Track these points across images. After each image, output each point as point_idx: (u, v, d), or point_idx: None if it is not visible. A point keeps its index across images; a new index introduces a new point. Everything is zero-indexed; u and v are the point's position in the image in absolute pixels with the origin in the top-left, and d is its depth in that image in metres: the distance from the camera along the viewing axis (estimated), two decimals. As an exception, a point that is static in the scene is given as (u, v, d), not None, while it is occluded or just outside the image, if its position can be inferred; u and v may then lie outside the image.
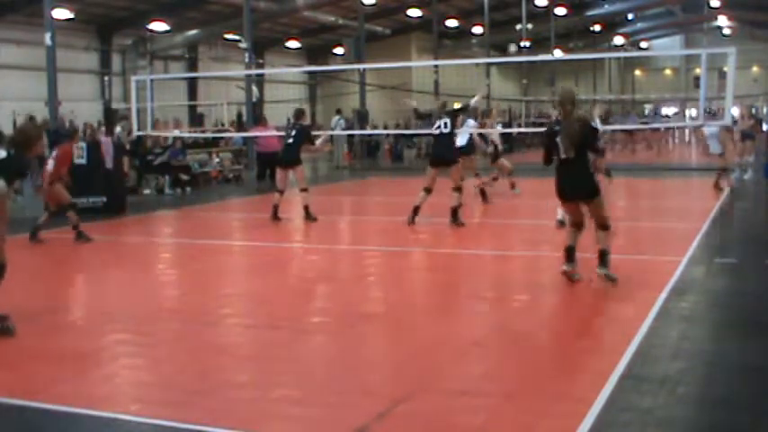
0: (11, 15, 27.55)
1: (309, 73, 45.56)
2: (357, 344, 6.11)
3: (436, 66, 36.10)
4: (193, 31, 34.31)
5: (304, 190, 12.71)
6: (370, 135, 30.42)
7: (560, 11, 46.46)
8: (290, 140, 12.69)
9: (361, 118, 30.98)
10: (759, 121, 26.28)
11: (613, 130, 26.26)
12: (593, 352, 5.69)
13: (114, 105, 31.55)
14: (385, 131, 31.49)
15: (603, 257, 7.49)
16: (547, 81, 54.80)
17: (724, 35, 55.94)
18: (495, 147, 15.62)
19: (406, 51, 45.74)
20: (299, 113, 13.35)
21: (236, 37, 29.30)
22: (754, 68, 56.83)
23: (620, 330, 6.18)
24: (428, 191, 11.84)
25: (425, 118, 12.86)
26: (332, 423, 4.39)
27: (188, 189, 18.09)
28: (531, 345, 6.00)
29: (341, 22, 36.84)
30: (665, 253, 8.68)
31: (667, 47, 62.94)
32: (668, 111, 55.50)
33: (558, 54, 45.39)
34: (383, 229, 12.75)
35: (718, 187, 15.55)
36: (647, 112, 54.99)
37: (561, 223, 11.24)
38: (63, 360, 5.66)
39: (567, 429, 4.18)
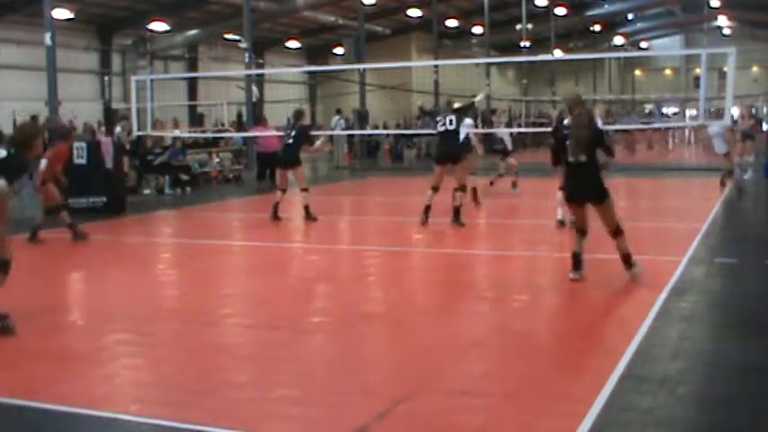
0: (11, 15, 27.55)
1: (309, 73, 45.56)
2: (357, 344, 6.11)
3: (436, 66, 36.11)
4: (193, 31, 34.32)
5: (304, 190, 12.72)
6: (370, 135, 30.42)
7: (560, 11, 46.47)
8: (290, 141, 12.72)
9: (361, 118, 30.98)
10: (759, 121, 26.29)
11: (615, 131, 26.28)
12: (593, 352, 5.69)
13: (114, 105, 31.56)
14: (385, 131, 31.48)
15: (628, 260, 7.60)
16: (547, 81, 54.85)
17: (724, 35, 55.95)
18: (505, 144, 15.81)
19: (406, 51, 45.74)
20: (298, 114, 13.37)
21: (236, 37, 29.31)
22: (754, 68, 56.84)
23: (620, 330, 6.18)
24: (435, 189, 11.85)
25: (432, 115, 12.86)
26: (332, 423, 4.39)
27: (188, 189, 18.09)
28: (531, 345, 6.00)
29: (341, 22, 36.84)
30: (665, 253, 8.68)
31: (667, 47, 62.97)
32: (669, 110, 55.49)
33: (558, 54, 45.40)
34: (383, 229, 12.76)
35: (723, 185, 15.50)
36: (647, 110, 55.00)
37: (561, 223, 11.26)
38: (63, 360, 5.66)
39: (567, 429, 4.18)
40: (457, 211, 11.66)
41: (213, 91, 34.79)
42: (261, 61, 38.56)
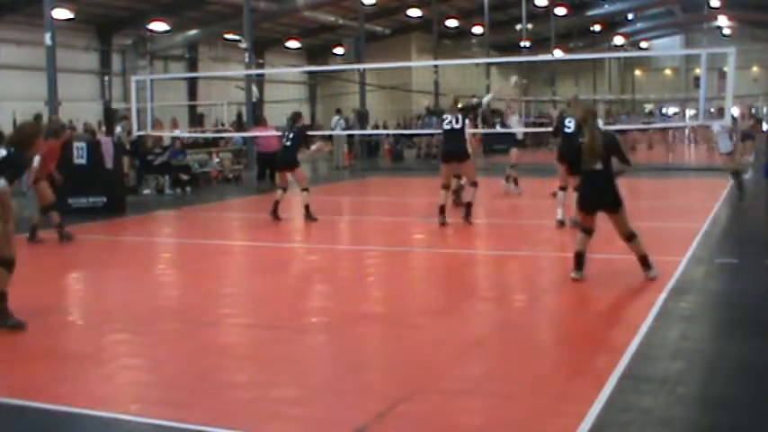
0: (11, 15, 27.53)
1: (309, 73, 45.54)
2: (357, 344, 6.12)
3: (436, 66, 36.09)
4: (193, 31, 34.31)
5: (305, 189, 12.73)
6: (370, 135, 30.42)
7: (560, 11, 46.46)
8: (288, 143, 12.78)
9: (362, 118, 30.98)
10: (759, 121, 26.28)
11: (616, 131, 26.23)
12: (593, 352, 5.69)
13: (114, 105, 31.55)
14: (385, 131, 31.48)
15: (646, 262, 7.63)
16: (547, 81, 54.80)
17: (724, 35, 55.93)
18: (515, 137, 16.00)
19: (406, 51, 45.72)
20: (295, 116, 13.36)
21: (236, 37, 29.31)
22: (754, 68, 56.79)
23: (621, 330, 6.19)
24: (446, 187, 11.86)
25: (437, 115, 12.87)
26: (332, 423, 4.39)
27: (188, 189, 18.08)
28: (531, 345, 6.00)
29: (341, 22, 36.82)
30: (665, 253, 8.67)
31: (667, 47, 62.92)
32: (669, 111, 55.51)
33: (558, 54, 45.39)
34: (383, 229, 12.75)
35: (741, 188, 15.44)
36: (647, 110, 54.99)
37: (561, 223, 11.26)
38: (63, 360, 5.66)
39: (566, 429, 4.18)
40: (468, 207, 11.62)
41: (213, 91, 34.78)
42: (261, 61, 38.55)
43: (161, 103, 25.32)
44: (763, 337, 6.04)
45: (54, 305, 7.29)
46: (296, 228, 12.61)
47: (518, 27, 41.92)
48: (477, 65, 42.90)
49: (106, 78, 32.74)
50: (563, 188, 11.50)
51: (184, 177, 18.23)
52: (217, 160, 20.86)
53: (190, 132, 26.62)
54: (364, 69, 30.74)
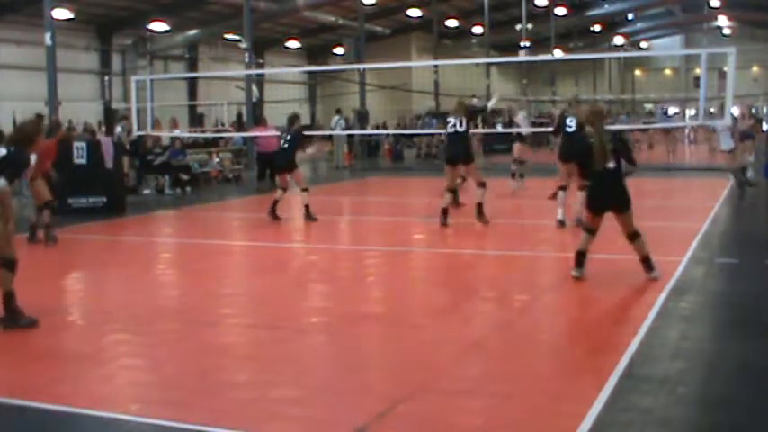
0: (11, 15, 27.53)
1: (309, 73, 45.55)
2: (357, 344, 6.12)
3: (436, 66, 36.11)
4: (193, 31, 34.31)
5: (304, 190, 12.74)
6: (370, 135, 30.42)
7: (560, 11, 46.45)
8: (285, 146, 12.81)
9: (362, 118, 30.98)
10: (759, 121, 26.25)
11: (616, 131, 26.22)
12: (593, 352, 5.69)
13: (114, 105, 31.55)
14: (385, 131, 31.49)
15: (648, 263, 7.65)
16: (547, 81, 54.79)
17: (724, 35, 55.93)
18: (520, 135, 16.19)
19: (406, 51, 45.73)
20: (292, 119, 13.33)
21: (236, 37, 29.31)
22: (754, 68, 56.81)
23: (621, 330, 6.18)
24: (451, 190, 11.91)
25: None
26: (332, 423, 4.39)
27: (188, 189, 18.08)
28: (531, 345, 6.00)
29: (341, 22, 36.83)
30: (665, 253, 8.67)
31: (667, 47, 62.94)
32: (670, 111, 55.51)
33: (558, 54, 45.39)
34: (383, 229, 12.75)
35: (749, 185, 15.44)
36: (647, 110, 54.99)
37: (561, 223, 11.26)
38: (63, 360, 5.66)
39: (566, 429, 4.18)
40: (480, 208, 11.60)
41: (213, 91, 34.79)
42: (261, 61, 38.55)
43: (161, 103, 25.33)
44: (763, 337, 6.04)
45: (54, 305, 7.28)
46: (296, 228, 12.61)
47: (518, 27, 41.93)
48: (477, 65, 42.93)
49: (106, 78, 32.74)
50: (563, 188, 11.50)
51: (184, 177, 18.23)
52: (217, 160, 20.86)
53: (190, 132, 26.61)
54: (364, 69, 30.75)
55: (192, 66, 36.51)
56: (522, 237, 11.46)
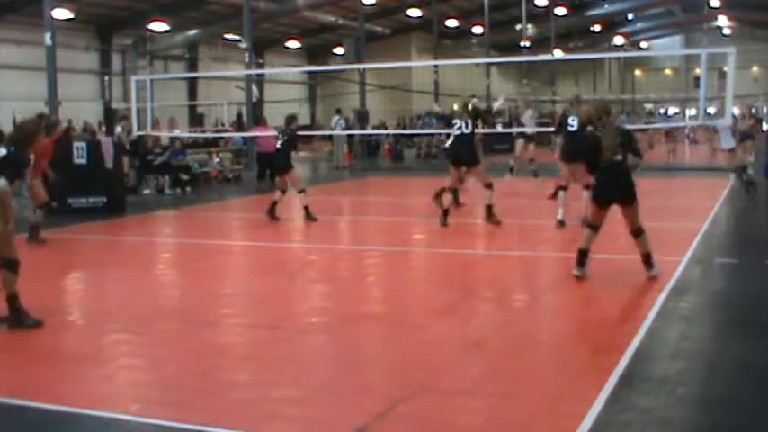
0: (11, 15, 27.55)
1: (309, 73, 45.56)
2: (357, 344, 6.12)
3: (436, 66, 36.09)
4: (193, 31, 34.32)
5: (301, 191, 12.72)
6: (370, 135, 30.42)
7: (560, 11, 46.45)
8: (279, 146, 12.85)
9: (362, 118, 30.97)
10: (759, 121, 26.25)
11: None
12: (593, 352, 5.69)
13: (114, 105, 31.56)
14: (385, 131, 31.48)
15: (648, 260, 7.67)
16: (547, 81, 54.78)
17: (724, 35, 55.93)
18: (524, 134, 16.28)
19: (406, 51, 45.74)
20: (290, 119, 13.34)
21: (236, 37, 29.31)
22: (754, 68, 56.82)
23: (620, 330, 6.18)
24: (453, 191, 11.87)
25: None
26: (332, 423, 4.39)
27: (188, 189, 18.08)
28: (531, 345, 6.00)
29: (341, 22, 36.84)
30: (665, 253, 8.67)
31: (667, 47, 62.96)
32: (671, 111, 55.55)
33: (558, 54, 45.39)
34: (383, 229, 12.75)
35: (750, 183, 15.45)
36: (647, 109, 54.98)
37: (561, 223, 11.25)
38: (63, 360, 5.66)
39: (567, 429, 4.18)
40: (489, 209, 11.56)
41: (213, 91, 34.80)
42: (261, 61, 38.56)
43: (161, 103, 25.32)
44: (763, 337, 6.04)
45: (54, 305, 7.28)
46: (296, 228, 12.61)
47: (518, 27, 41.93)
48: (477, 65, 42.93)
49: (106, 78, 32.76)
50: (564, 188, 11.49)
51: (184, 177, 18.23)
52: (217, 160, 20.86)
53: (190, 132, 26.61)
54: (364, 69, 30.74)
55: (192, 66, 36.52)
56: (522, 237, 11.45)
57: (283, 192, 12.85)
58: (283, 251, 10.77)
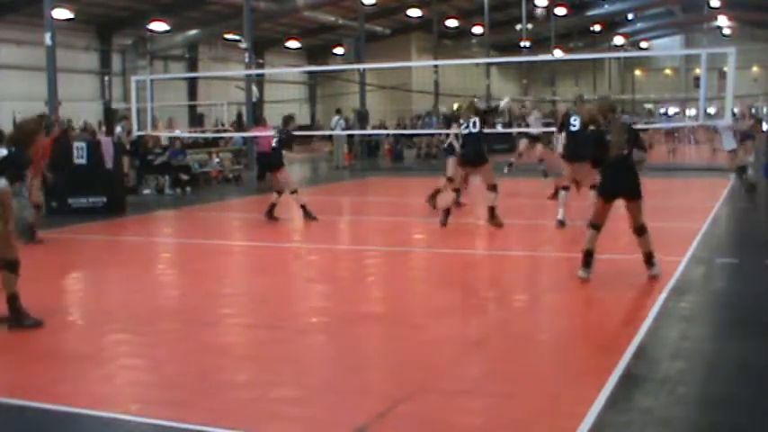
0: (11, 15, 27.54)
1: (309, 73, 45.56)
2: (357, 344, 6.12)
3: (436, 66, 36.08)
4: (193, 31, 34.32)
5: (294, 192, 12.71)
6: (370, 135, 30.42)
7: (560, 11, 46.45)
8: (275, 145, 12.92)
9: (362, 118, 30.97)
10: (759, 121, 26.24)
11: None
12: (593, 352, 5.68)
13: (114, 105, 31.56)
14: (385, 131, 31.47)
15: (650, 259, 7.67)
16: (547, 81, 54.76)
17: (724, 35, 55.92)
18: (529, 135, 16.36)
19: (406, 51, 45.74)
20: (287, 119, 13.35)
21: (236, 37, 29.31)
22: (754, 68, 56.80)
23: (620, 330, 6.18)
24: (457, 191, 11.90)
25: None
26: (332, 423, 4.39)
27: (188, 189, 18.08)
28: (531, 345, 6.00)
29: (341, 22, 36.83)
30: (665, 253, 8.67)
31: (667, 47, 62.95)
32: (671, 111, 55.53)
33: (558, 54, 45.38)
34: (383, 229, 12.75)
35: (749, 184, 15.45)
36: (646, 109, 54.95)
37: (561, 223, 11.25)
38: (63, 360, 5.66)
39: (567, 429, 4.18)
40: (492, 211, 11.52)
41: (213, 91, 34.80)
42: (261, 61, 38.56)
43: (161, 103, 25.33)
44: (763, 337, 6.04)
45: (54, 305, 7.28)
46: (296, 228, 12.60)
47: (518, 27, 41.93)
48: (477, 65, 42.91)
49: (106, 78, 32.76)
50: (566, 188, 11.48)
51: (184, 177, 18.23)
52: (217, 160, 20.86)
53: (190, 132, 26.61)
54: (364, 69, 30.73)
55: (192, 66, 36.52)
56: (523, 237, 11.45)
57: (279, 193, 12.83)
58: (283, 251, 10.76)
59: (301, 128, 36.22)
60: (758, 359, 5.45)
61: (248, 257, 10.48)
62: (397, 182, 21.82)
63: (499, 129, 24.89)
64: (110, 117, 29.95)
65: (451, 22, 45.45)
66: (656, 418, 4.38)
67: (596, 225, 7.74)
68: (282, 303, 7.43)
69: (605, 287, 7.53)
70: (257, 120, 23.03)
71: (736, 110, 17.44)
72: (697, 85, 39.79)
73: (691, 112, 49.26)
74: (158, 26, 32.68)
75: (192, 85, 36.17)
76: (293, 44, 43.55)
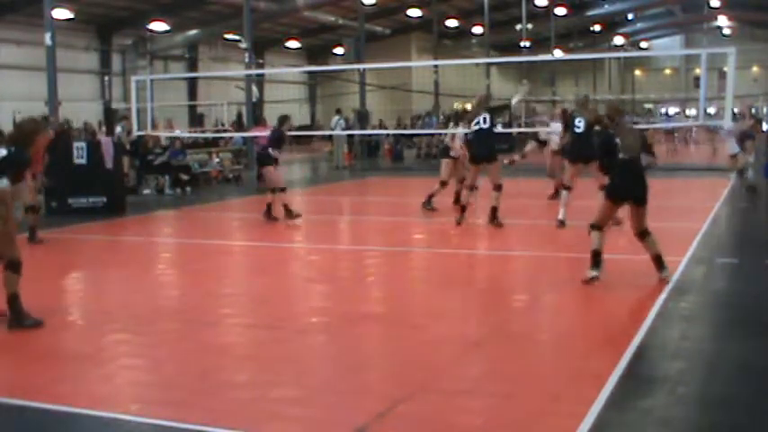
0: (11, 15, 27.56)
1: (309, 73, 45.58)
2: (357, 344, 6.11)
3: (436, 66, 36.07)
4: (193, 31, 34.33)
5: (282, 190, 12.64)
6: (370, 135, 30.42)
7: (560, 11, 46.46)
8: (264, 143, 13.11)
9: (362, 118, 30.97)
10: (759, 121, 26.27)
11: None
12: (593, 352, 5.68)
13: (114, 105, 31.58)
14: (385, 131, 31.47)
15: (659, 261, 7.62)
16: (547, 81, 54.76)
17: (724, 35, 55.95)
18: (537, 138, 16.39)
19: (406, 51, 45.77)
20: (282, 120, 13.34)
21: (236, 37, 29.32)
22: (754, 68, 56.83)
23: (621, 330, 6.18)
24: (472, 188, 11.92)
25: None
26: (332, 423, 4.39)
27: (188, 189, 18.08)
28: (531, 345, 6.00)
29: (341, 22, 36.85)
30: (665, 253, 8.66)
31: (667, 47, 62.99)
32: (671, 111, 55.55)
33: (558, 54, 45.39)
34: (383, 229, 12.75)
35: (749, 185, 15.45)
36: (646, 109, 54.95)
37: (561, 223, 11.25)
38: (63, 360, 5.66)
39: (567, 429, 4.18)
40: (494, 211, 11.51)
41: (213, 91, 34.82)
42: (261, 61, 38.57)
43: (161, 103, 25.32)
44: (763, 337, 6.04)
45: (54, 305, 7.28)
46: (295, 228, 12.59)
47: (518, 27, 41.93)
48: (477, 65, 42.91)
49: (106, 78, 32.78)
50: (568, 188, 11.47)
51: (184, 177, 18.22)
52: (217, 160, 20.85)
53: (190, 132, 26.61)
54: (364, 69, 30.73)
55: (192, 66, 36.54)
56: (523, 237, 11.44)
57: (272, 191, 12.81)
58: (283, 251, 10.76)
59: (301, 128, 36.36)
60: (758, 359, 5.45)
61: (248, 257, 10.48)
62: (397, 182, 21.82)
63: (499, 128, 24.94)
64: (110, 117, 29.96)
65: (451, 22, 45.47)
66: (656, 418, 4.38)
67: (598, 226, 7.72)
68: (282, 303, 7.43)
69: (605, 287, 7.53)
70: (257, 120, 23.07)
71: (736, 110, 17.45)
72: (697, 85, 39.82)
73: (691, 111, 49.29)
74: (158, 26, 32.70)
75: (192, 85, 36.19)
76: (293, 44, 43.57)
